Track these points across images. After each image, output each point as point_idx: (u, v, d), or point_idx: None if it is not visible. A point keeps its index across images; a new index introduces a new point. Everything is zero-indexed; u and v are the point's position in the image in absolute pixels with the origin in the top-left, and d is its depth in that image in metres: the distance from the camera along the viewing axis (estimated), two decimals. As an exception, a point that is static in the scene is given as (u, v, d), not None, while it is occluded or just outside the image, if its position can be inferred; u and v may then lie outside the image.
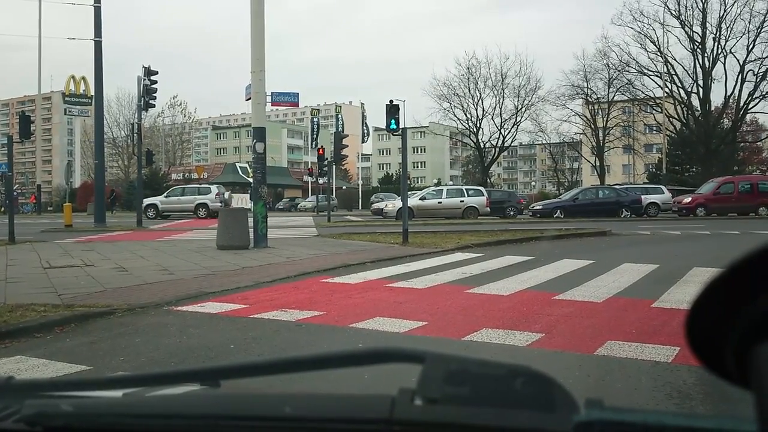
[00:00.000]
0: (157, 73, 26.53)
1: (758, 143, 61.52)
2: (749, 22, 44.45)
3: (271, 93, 13.86)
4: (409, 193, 35.43)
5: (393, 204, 28.82)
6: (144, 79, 25.92)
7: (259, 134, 13.54)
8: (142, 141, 25.53)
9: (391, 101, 13.91)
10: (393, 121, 13.72)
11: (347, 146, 25.04)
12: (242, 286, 8.15)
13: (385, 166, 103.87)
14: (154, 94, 27.01)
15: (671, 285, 8.12)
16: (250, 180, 68.79)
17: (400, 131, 13.81)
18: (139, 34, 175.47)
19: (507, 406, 0.66)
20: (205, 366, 0.96)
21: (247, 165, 76.18)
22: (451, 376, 0.68)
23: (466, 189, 30.66)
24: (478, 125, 53.98)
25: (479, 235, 15.83)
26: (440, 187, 32.15)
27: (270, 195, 73.31)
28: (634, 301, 7.12)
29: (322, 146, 29.46)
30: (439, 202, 28.69)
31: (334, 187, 69.05)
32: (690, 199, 29.13)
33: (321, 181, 30.14)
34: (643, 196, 29.60)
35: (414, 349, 0.72)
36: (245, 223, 13.43)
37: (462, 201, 28.77)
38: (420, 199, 29.04)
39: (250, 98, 13.83)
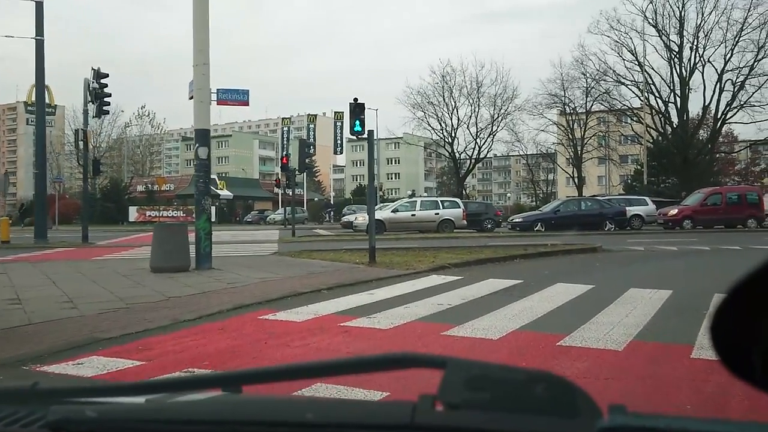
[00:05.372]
0: (107, 75, 24.42)
1: (733, 154, 60.99)
2: (726, 31, 43.72)
3: (217, 90, 11.99)
4: (382, 205, 33.82)
5: (363, 217, 26.93)
6: (92, 82, 23.84)
7: (202, 137, 11.66)
8: (88, 149, 23.44)
9: (355, 99, 12.09)
10: (358, 122, 11.91)
11: (313, 154, 23.23)
12: (153, 328, 6.26)
13: (358, 177, 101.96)
14: (107, 99, 24.90)
15: (700, 320, 6.42)
16: (219, 192, 65.96)
17: (366, 134, 12.02)
18: (110, 46, 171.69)
19: (529, 412, 0.65)
20: (227, 372, 1.09)
21: (215, 177, 73.88)
22: (473, 381, 0.68)
23: (441, 201, 28.85)
24: (453, 135, 52.56)
25: (457, 253, 14.08)
26: (414, 199, 30.26)
27: (240, 207, 71.16)
28: (665, 348, 5.38)
29: (286, 155, 27.44)
30: (412, 215, 26.87)
31: (305, 198, 67.39)
32: (676, 211, 27.71)
33: (289, 192, 28.21)
34: (626, 208, 28.19)
35: (435, 355, 0.73)
36: (184, 240, 11.50)
37: (437, 213, 26.99)
38: (392, 211, 27.23)
39: (193, 96, 11.96)
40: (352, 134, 12.24)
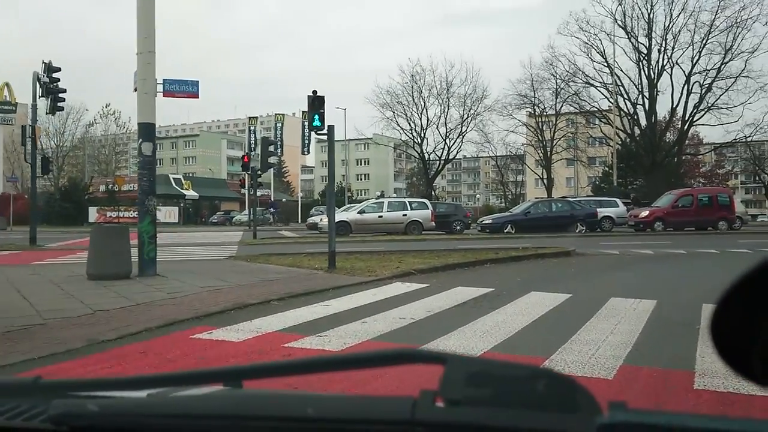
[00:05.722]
0: (59, 69, 23.07)
1: (699, 156, 61.38)
2: (694, 34, 43.76)
3: (163, 80, 10.97)
4: (349, 205, 32.90)
5: (329, 218, 25.99)
6: (43, 76, 22.50)
7: (146, 132, 10.67)
8: (36, 146, 22.13)
9: (314, 92, 11.11)
10: (316, 117, 10.94)
11: (276, 153, 22.15)
12: (62, 352, 5.29)
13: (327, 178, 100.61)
14: (61, 95, 23.54)
15: (695, 338, 5.68)
16: (185, 192, 64.16)
17: (325, 129, 11.09)
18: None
19: (529, 408, 0.66)
20: (228, 367, 1.01)
21: (181, 177, 72.08)
22: (473, 377, 0.69)
23: (409, 202, 27.98)
24: (422, 135, 52.00)
25: (424, 257, 13.25)
26: (381, 200, 29.31)
27: (206, 208, 69.52)
28: (663, 376, 4.59)
29: (247, 154, 26.19)
30: (379, 216, 26.02)
31: (272, 199, 66.06)
32: (647, 212, 27.25)
33: (255, 192, 27.16)
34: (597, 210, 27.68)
35: (435, 351, 0.74)
36: (125, 244, 10.46)
37: (405, 215, 26.16)
38: (359, 212, 26.35)
39: (137, 88, 10.97)
40: (310, 129, 11.28)
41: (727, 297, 0.59)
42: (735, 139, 46.09)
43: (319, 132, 11.16)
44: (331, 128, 10.96)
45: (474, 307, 7.59)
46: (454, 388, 0.67)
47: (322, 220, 27.46)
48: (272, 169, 76.65)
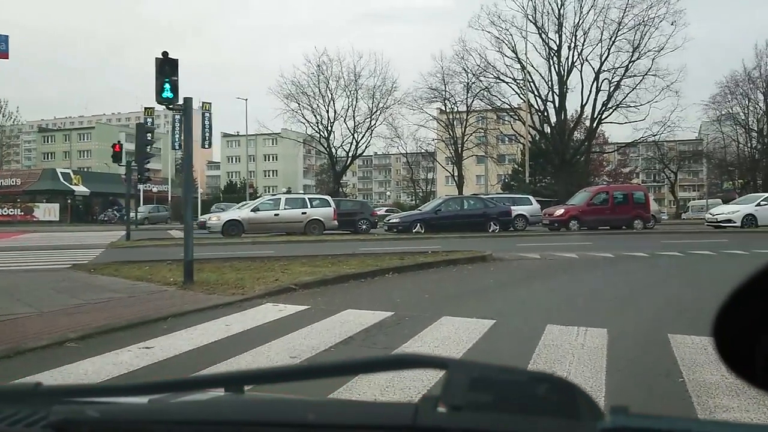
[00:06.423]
0: None
1: (603, 155, 62.01)
2: (603, 31, 43.52)
3: (-42, 33, 8.17)
4: (244, 203, 30.17)
5: (218, 217, 23.20)
6: None
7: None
8: None
9: (165, 53, 8.49)
10: (167, 85, 8.32)
11: (153, 142, 19.34)
12: None
13: (234, 174, 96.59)
14: None
15: (688, 402, 3.70)
16: (73, 187, 58.96)
17: (181, 103, 8.56)
18: None
19: (531, 413, 0.66)
20: (229, 372, 1.02)
21: (71, 171, 66.64)
22: (475, 382, 0.68)
23: (309, 198, 25.47)
24: (329, 129, 49.58)
25: (315, 265, 10.92)
26: (278, 196, 26.67)
27: (97, 204, 64.45)
28: None
29: (119, 143, 22.90)
30: (276, 215, 23.37)
31: (169, 195, 62.01)
32: (563, 211, 25.87)
33: (130, 187, 24.09)
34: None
35: (437, 356, 0.73)
36: None
37: (304, 213, 23.67)
38: (252, 210, 23.63)
39: None
40: (159, 101, 8.68)
41: (729, 302, 0.58)
42: (642, 137, 46.25)
43: (171, 106, 8.63)
44: (188, 101, 8.47)
45: (363, 345, 5.37)
46: (455, 394, 0.66)
47: (211, 218, 24.65)
48: (176, 164, 72.24)
